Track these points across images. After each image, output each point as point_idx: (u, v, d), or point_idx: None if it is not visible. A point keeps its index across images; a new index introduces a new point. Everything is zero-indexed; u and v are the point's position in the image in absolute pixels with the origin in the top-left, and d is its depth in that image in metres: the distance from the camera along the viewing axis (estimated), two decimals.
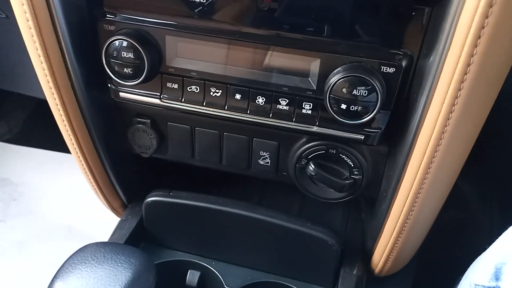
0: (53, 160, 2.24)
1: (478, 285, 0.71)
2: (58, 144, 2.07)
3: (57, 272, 0.67)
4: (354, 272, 1.02)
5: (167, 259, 1.11)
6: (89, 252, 0.71)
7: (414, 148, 0.78)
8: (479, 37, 0.62)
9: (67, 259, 0.70)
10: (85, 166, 1.04)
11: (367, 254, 1.04)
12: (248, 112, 0.89)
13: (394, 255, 0.96)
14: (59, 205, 2.11)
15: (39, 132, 2.35)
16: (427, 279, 1.30)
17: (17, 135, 2.37)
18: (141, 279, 0.68)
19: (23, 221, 2.06)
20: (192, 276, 1.11)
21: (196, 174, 1.20)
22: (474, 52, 0.63)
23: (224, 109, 0.90)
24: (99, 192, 1.13)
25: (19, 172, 2.25)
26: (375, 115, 0.78)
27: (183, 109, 0.92)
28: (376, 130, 0.83)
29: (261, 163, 0.99)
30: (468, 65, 0.65)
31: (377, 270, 1.03)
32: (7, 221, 2.06)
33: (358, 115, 0.79)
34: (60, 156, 2.24)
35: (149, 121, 1.01)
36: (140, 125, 1.02)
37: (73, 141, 0.99)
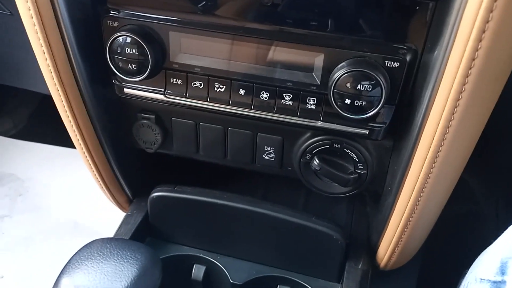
0: (58, 156, 2.26)
1: (484, 279, 0.71)
2: (63, 140, 2.08)
3: (63, 268, 0.67)
4: (360, 266, 1.02)
5: (173, 254, 1.11)
6: (95, 248, 0.71)
7: (419, 142, 0.78)
8: (484, 32, 0.61)
9: (74, 255, 0.70)
10: (90, 161, 1.05)
11: (372, 248, 1.04)
12: (252, 107, 0.89)
13: (399, 249, 0.96)
14: (65, 201, 2.13)
15: (45, 128, 2.35)
16: (432, 273, 1.30)
17: (23, 131, 2.38)
18: (147, 274, 0.68)
19: (29, 216, 2.08)
20: (198, 271, 1.11)
21: (201, 169, 1.20)
22: (479, 46, 0.63)
23: (228, 105, 0.90)
24: (104, 187, 1.14)
25: (25, 168, 2.26)
26: (379, 109, 0.78)
27: (187, 104, 0.92)
28: (381, 125, 0.83)
29: (266, 158, 0.99)
30: (473, 59, 0.65)
31: (382, 264, 1.03)
32: (13, 216, 2.08)
33: (362, 109, 0.78)
34: (65, 151, 2.24)
35: (153, 116, 1.02)
36: (145, 121, 1.02)
37: (78, 136, 0.99)
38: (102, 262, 0.67)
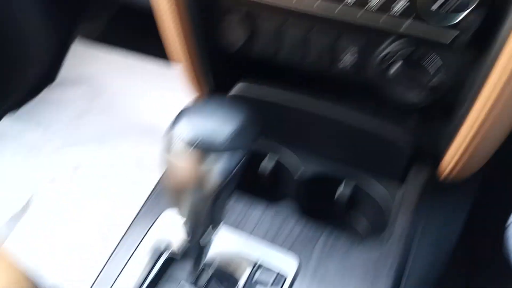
0: (137, 64, 2.31)
1: None
2: (140, 48, 2.15)
3: (178, 114, 0.75)
4: (422, 175, 1.05)
5: None
6: (205, 101, 0.77)
7: (501, 54, 0.79)
8: None
9: (184, 107, 0.77)
10: (182, 50, 1.11)
11: (437, 159, 1.06)
12: (337, 11, 0.90)
13: (464, 159, 0.98)
14: (138, 105, 2.22)
15: (124, 34, 2.42)
16: (489, 194, 1.31)
17: (102, 36, 2.44)
18: (251, 124, 0.73)
19: (104, 117, 2.19)
20: (267, 163, 1.18)
21: (278, 73, 1.23)
22: None
23: (314, 7, 0.92)
24: (189, 78, 1.20)
25: (103, 73, 2.36)
26: (465, 16, 0.79)
27: (273, 3, 0.95)
28: (466, 33, 0.83)
29: (345, 63, 1.01)
30: None
31: (444, 174, 1.05)
32: (90, 116, 2.20)
33: (448, 17, 0.79)
34: (143, 60, 2.28)
35: (238, 15, 1.04)
36: (230, 19, 1.05)
37: (172, 27, 1.05)
38: (212, 111, 0.73)
